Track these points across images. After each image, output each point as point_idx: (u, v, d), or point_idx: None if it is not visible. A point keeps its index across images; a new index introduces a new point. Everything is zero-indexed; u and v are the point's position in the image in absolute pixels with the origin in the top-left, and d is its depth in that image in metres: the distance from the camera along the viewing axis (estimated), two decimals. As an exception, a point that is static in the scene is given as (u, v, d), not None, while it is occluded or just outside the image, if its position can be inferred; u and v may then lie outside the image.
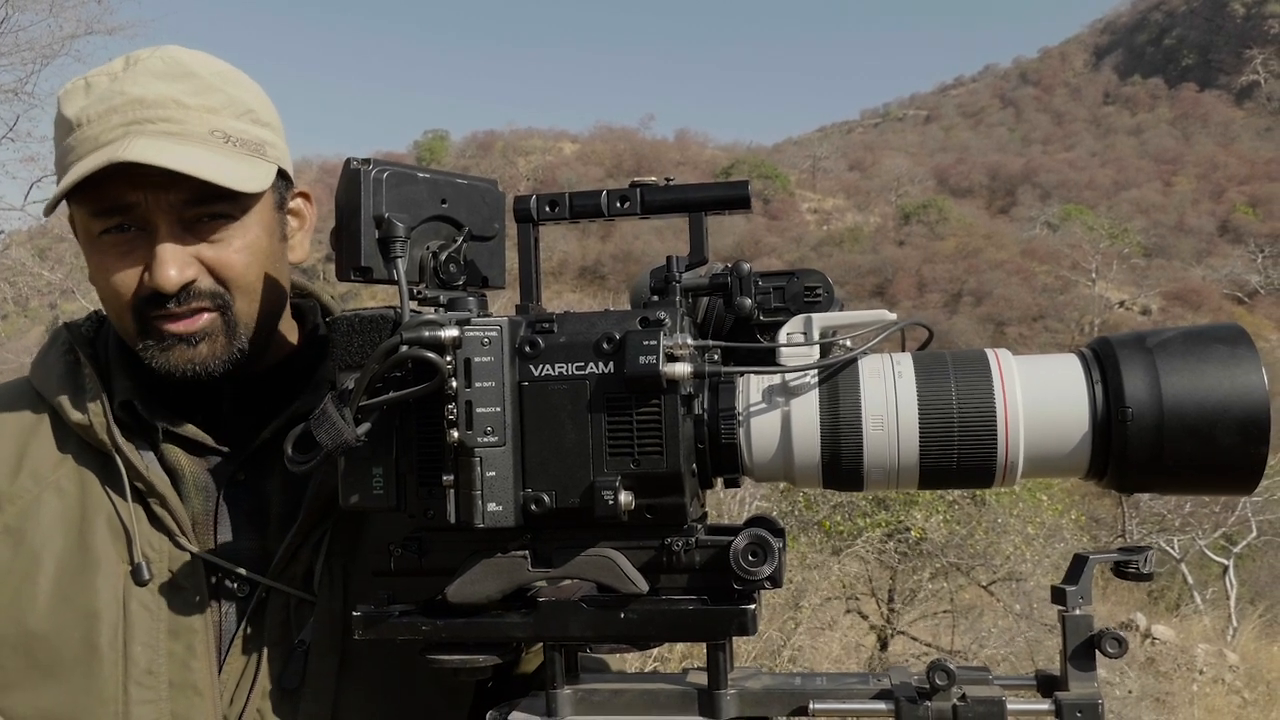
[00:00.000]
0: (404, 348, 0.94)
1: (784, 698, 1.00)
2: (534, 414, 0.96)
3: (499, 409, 0.95)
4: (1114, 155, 73.19)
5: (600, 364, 0.95)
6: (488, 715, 1.03)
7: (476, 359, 0.95)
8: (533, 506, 0.96)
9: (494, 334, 0.96)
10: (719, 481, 1.04)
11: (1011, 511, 8.82)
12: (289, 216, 1.36)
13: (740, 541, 0.97)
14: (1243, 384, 0.92)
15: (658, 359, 0.93)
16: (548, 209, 1.05)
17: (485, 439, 0.95)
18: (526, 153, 65.05)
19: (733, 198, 1.02)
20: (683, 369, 0.93)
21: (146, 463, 1.26)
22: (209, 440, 1.29)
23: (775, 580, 0.97)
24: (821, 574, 8.69)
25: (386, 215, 1.03)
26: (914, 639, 9.18)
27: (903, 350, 1.02)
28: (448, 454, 0.96)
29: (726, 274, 1.02)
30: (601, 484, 0.94)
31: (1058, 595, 0.99)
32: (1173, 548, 14.44)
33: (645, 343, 0.93)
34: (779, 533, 1.00)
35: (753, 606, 0.98)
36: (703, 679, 1.01)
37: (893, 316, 1.00)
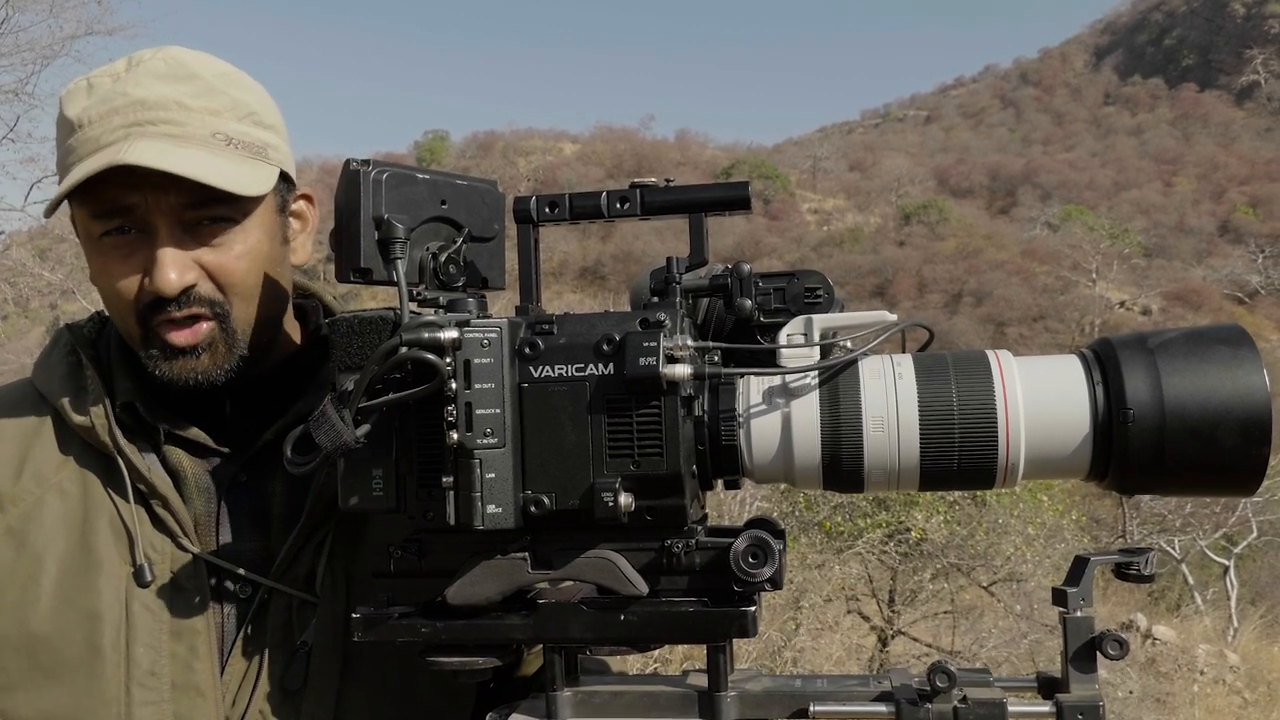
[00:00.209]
0: (403, 349, 0.94)
1: (784, 700, 1.00)
2: (534, 415, 0.96)
3: (499, 410, 0.95)
4: (1114, 155, 73.19)
5: (600, 365, 0.95)
6: (487, 717, 1.02)
7: (476, 360, 0.95)
8: (532, 508, 0.96)
9: (494, 335, 0.96)
10: (719, 483, 1.04)
11: (1012, 512, 8.81)
12: (291, 219, 1.35)
13: (740, 543, 0.97)
14: (1245, 385, 0.92)
15: (658, 360, 0.92)
16: (547, 210, 1.05)
17: (485, 440, 0.95)
18: (527, 153, 65.07)
19: (733, 198, 1.02)
20: (683, 370, 0.93)
21: (148, 464, 1.25)
22: (211, 442, 1.29)
23: (776, 582, 0.96)
24: (822, 575, 8.69)
25: (386, 216, 1.03)
26: (915, 640, 9.17)
27: (903, 351, 1.02)
28: (447, 456, 0.96)
29: (727, 275, 1.01)
30: (601, 486, 0.94)
31: (1059, 597, 0.99)
32: (1173, 548, 14.44)
33: (645, 344, 0.93)
34: (779, 534, 0.99)
35: (753, 608, 0.98)
36: (703, 681, 1.01)
37: (893, 317, 1.00)
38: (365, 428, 0.97)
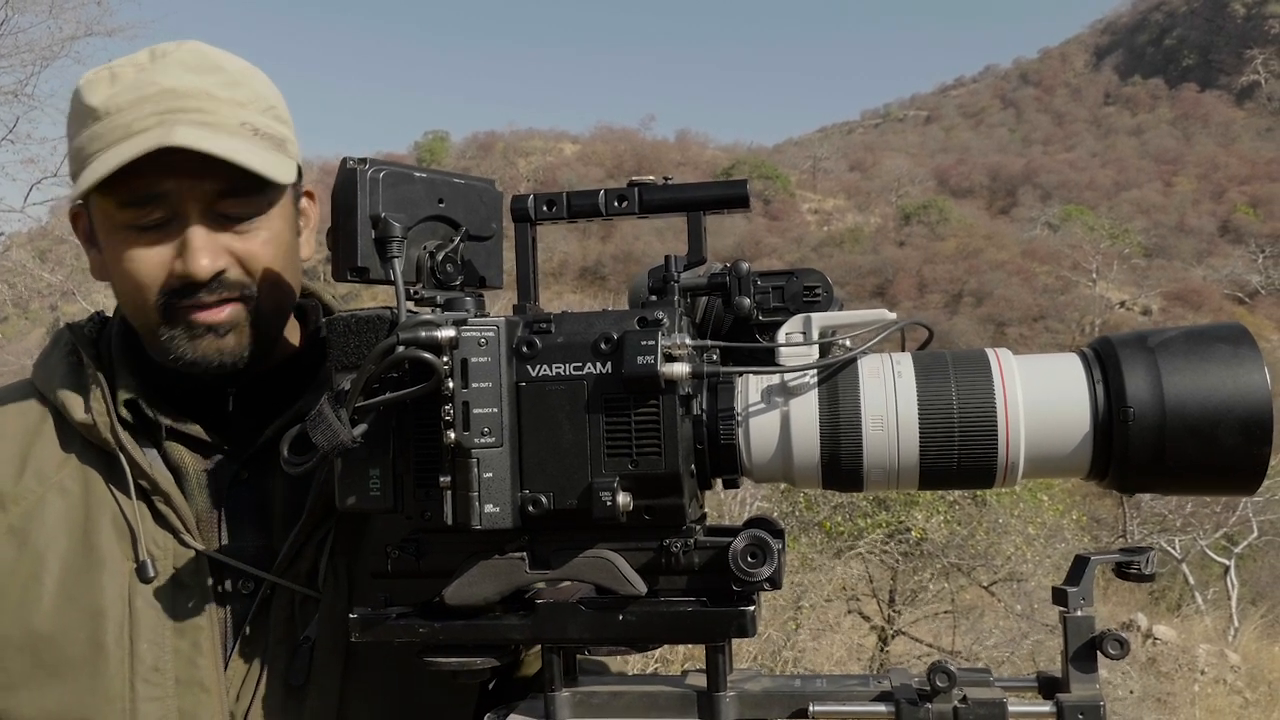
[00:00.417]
0: (400, 348, 0.93)
1: (784, 700, 0.99)
2: (531, 415, 0.96)
3: (496, 410, 0.95)
4: (1114, 156, 73.19)
5: (598, 364, 0.95)
6: (485, 718, 1.02)
7: (473, 359, 0.94)
8: (530, 508, 0.95)
9: (491, 334, 0.95)
10: (718, 482, 1.03)
11: (1012, 512, 8.81)
12: (299, 215, 1.37)
13: (739, 543, 0.96)
14: (1245, 384, 0.92)
15: (656, 359, 0.92)
16: (545, 208, 1.05)
17: (482, 440, 0.94)
18: (527, 153, 65.09)
19: (731, 197, 1.02)
20: (681, 369, 0.93)
21: (150, 461, 1.26)
22: (212, 439, 1.29)
23: (774, 581, 0.96)
24: (822, 575, 8.68)
25: (383, 215, 1.03)
26: (915, 639, 9.17)
27: (902, 350, 1.01)
28: (445, 455, 0.95)
29: (725, 274, 1.01)
30: (600, 485, 0.94)
31: (1059, 596, 0.98)
32: (1174, 548, 14.43)
33: (643, 343, 0.93)
34: (778, 534, 0.99)
35: (752, 608, 0.98)
36: (702, 681, 1.01)
37: (892, 316, 0.99)
38: (362, 427, 0.97)
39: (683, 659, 6.12)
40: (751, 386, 0.99)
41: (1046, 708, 0.96)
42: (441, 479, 0.96)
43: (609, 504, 0.93)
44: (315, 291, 1.44)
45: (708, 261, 1.03)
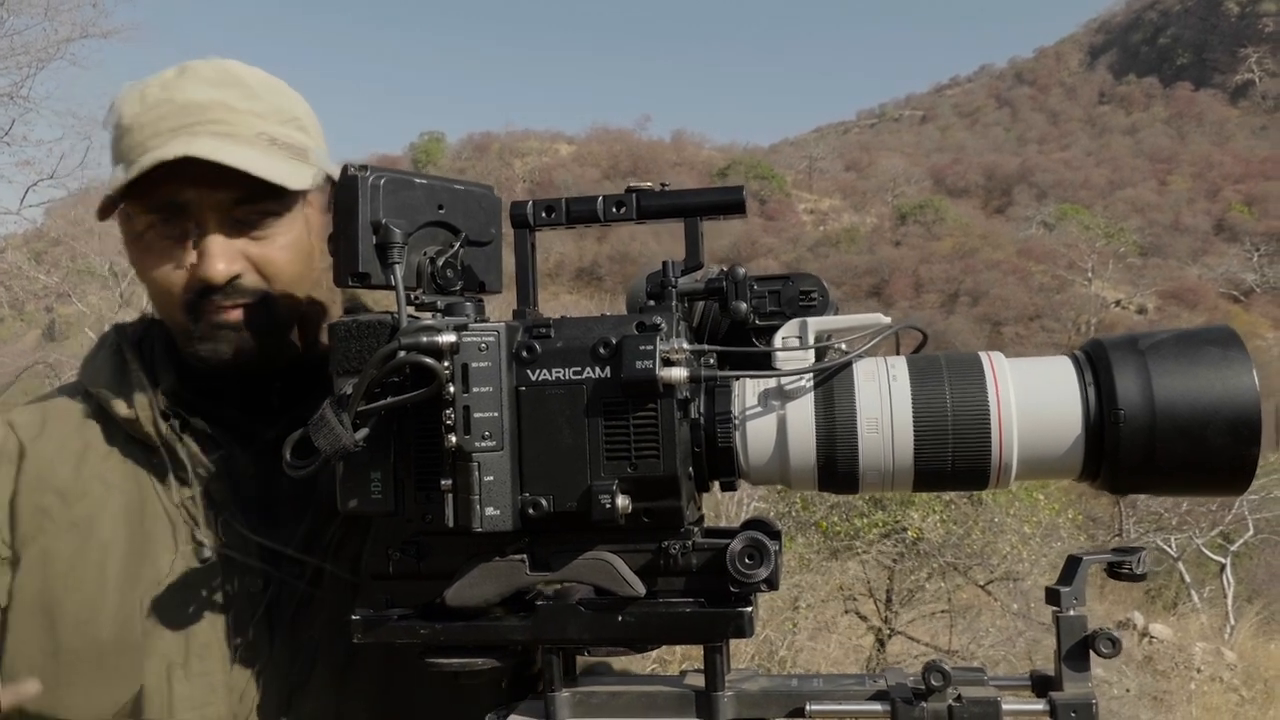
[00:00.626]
0: (402, 353, 0.95)
1: (781, 699, 1.00)
2: (531, 418, 0.97)
3: (496, 414, 0.96)
4: (1109, 154, 73.28)
5: (597, 369, 0.96)
6: (486, 718, 1.03)
7: (474, 364, 0.96)
8: (530, 510, 0.96)
9: (491, 339, 0.96)
10: (715, 485, 1.05)
11: (1008, 511, 8.82)
12: None
13: (737, 544, 0.97)
14: (1234, 385, 0.93)
15: (654, 363, 0.93)
16: (544, 214, 1.06)
17: (483, 443, 0.95)
18: (523, 154, 65.05)
19: (728, 203, 1.03)
20: (679, 373, 0.94)
21: (194, 451, 1.31)
22: (254, 430, 1.34)
23: (772, 583, 0.97)
24: (819, 575, 8.69)
25: (384, 221, 1.04)
26: (912, 639, 9.18)
27: (897, 353, 1.02)
28: (446, 458, 0.96)
29: (722, 278, 1.02)
30: (599, 488, 0.95)
31: (1052, 596, 1.00)
32: (1170, 546, 14.46)
33: (642, 347, 0.94)
34: (775, 535, 1.00)
35: (749, 609, 0.99)
36: (700, 681, 1.02)
37: (887, 320, 1.00)
38: (364, 431, 0.98)
39: (680, 659, 6.13)
40: (748, 390, 1.00)
41: (1040, 706, 0.97)
42: (442, 482, 0.96)
43: (608, 506, 0.94)
44: (356, 297, 1.49)
45: (705, 266, 1.04)
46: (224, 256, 1.26)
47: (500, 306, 1.20)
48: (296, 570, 1.29)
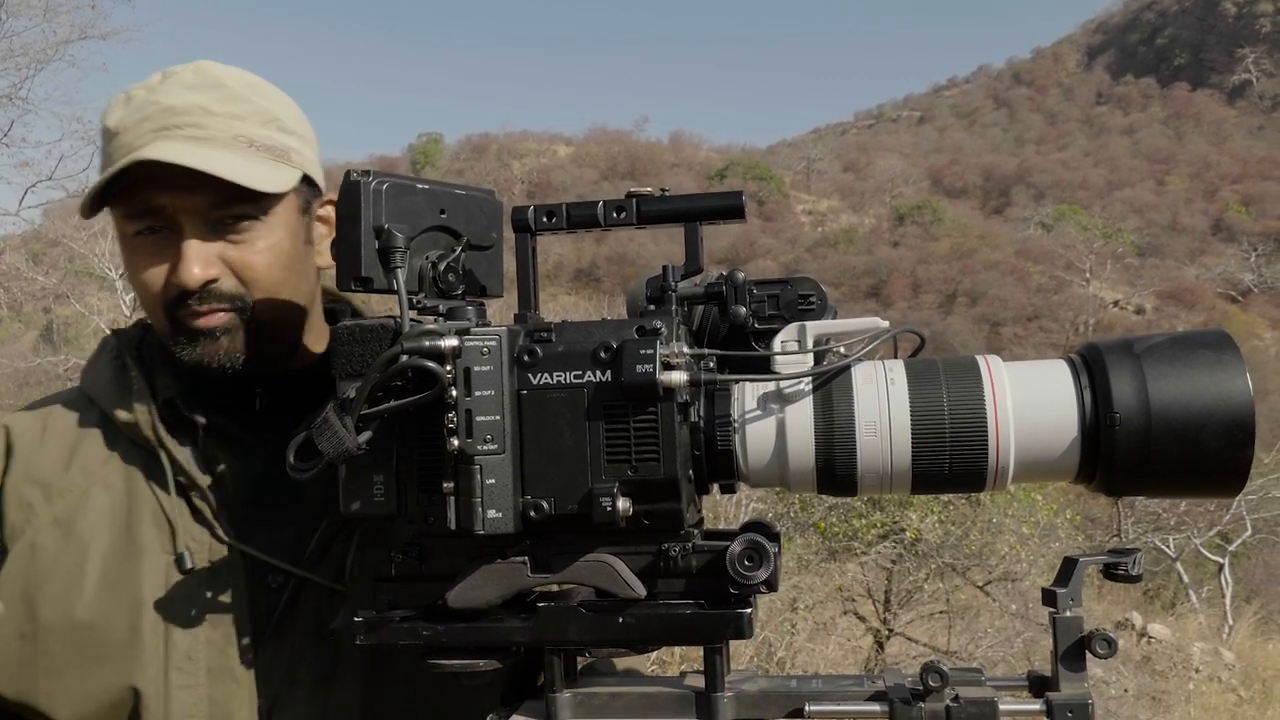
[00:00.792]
0: (404, 357, 0.96)
1: (780, 700, 1.01)
2: (533, 422, 0.98)
3: (498, 417, 0.97)
4: (1107, 155, 73.33)
5: (598, 372, 0.97)
6: (487, 719, 1.04)
7: (476, 368, 0.97)
8: (532, 513, 0.97)
9: (493, 343, 0.97)
10: (715, 487, 1.05)
11: (1006, 511, 8.83)
12: (317, 223, 1.41)
13: (736, 547, 0.98)
14: (1228, 388, 0.94)
15: (654, 367, 0.94)
16: (545, 219, 1.07)
17: (485, 447, 0.96)
18: (521, 155, 65.04)
19: (727, 208, 1.04)
20: (679, 377, 0.95)
21: (188, 458, 1.32)
22: (246, 437, 1.35)
23: (771, 585, 0.98)
24: (818, 576, 8.70)
25: (386, 226, 1.05)
26: (911, 640, 9.19)
27: (895, 357, 1.03)
28: (448, 461, 0.97)
29: (721, 283, 1.03)
30: (600, 491, 0.96)
31: (1048, 597, 1.00)
32: (1168, 546, 14.48)
33: (642, 351, 0.95)
34: (774, 537, 1.01)
35: (749, 610, 1.00)
36: (700, 682, 1.02)
37: (885, 324, 1.01)
38: (367, 434, 0.99)
39: (680, 661, 6.14)
40: (748, 394, 1.01)
41: (1036, 706, 0.98)
42: (444, 485, 0.98)
43: (609, 509, 0.95)
44: (343, 297, 1.49)
45: (704, 271, 1.05)
46: (199, 261, 1.25)
47: (501, 310, 1.22)
48: (281, 579, 1.29)
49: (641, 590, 1.00)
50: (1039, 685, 1.02)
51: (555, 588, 1.05)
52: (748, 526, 1.02)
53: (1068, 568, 1.01)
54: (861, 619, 9.37)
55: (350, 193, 1.06)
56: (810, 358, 1.00)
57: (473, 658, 1.03)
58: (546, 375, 0.98)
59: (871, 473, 0.98)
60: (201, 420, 1.33)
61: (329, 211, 1.43)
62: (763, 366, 1.01)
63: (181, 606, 1.27)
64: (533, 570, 1.01)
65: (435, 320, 1.03)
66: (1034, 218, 54.97)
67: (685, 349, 0.97)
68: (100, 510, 1.31)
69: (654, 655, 5.64)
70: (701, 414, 1.00)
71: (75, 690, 1.25)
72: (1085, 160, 71.65)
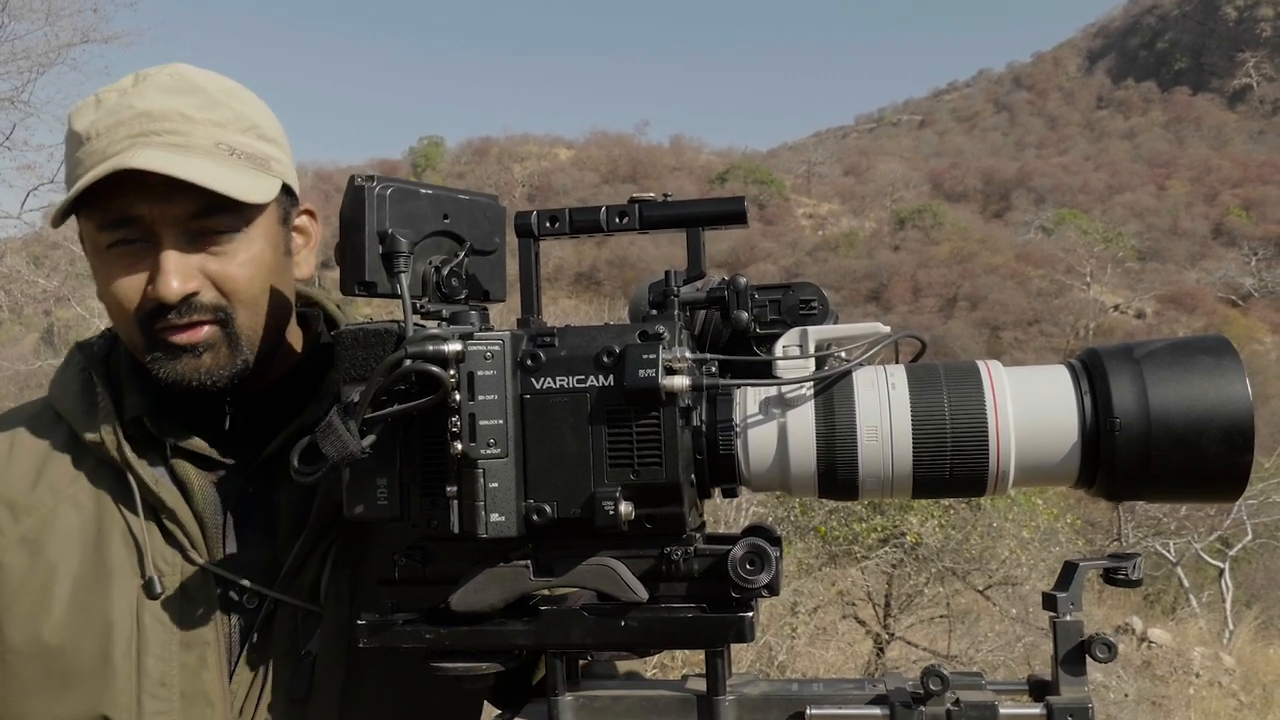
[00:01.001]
0: (408, 362, 0.95)
1: (781, 703, 1.01)
2: (536, 426, 0.98)
3: (501, 421, 0.97)
4: (1107, 159, 73.36)
5: (600, 377, 0.97)
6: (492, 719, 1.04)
7: (479, 373, 0.97)
8: (535, 517, 0.98)
9: (496, 348, 0.98)
10: (717, 491, 1.06)
11: (1007, 516, 8.83)
12: (294, 233, 1.37)
13: (738, 551, 0.99)
14: (1227, 394, 0.94)
15: (657, 372, 0.94)
16: (548, 224, 1.07)
17: (488, 451, 0.97)
18: (522, 159, 65.08)
19: (729, 213, 1.04)
20: (681, 382, 0.95)
21: (157, 478, 1.27)
22: (217, 454, 1.31)
23: (772, 588, 0.98)
24: (819, 580, 8.70)
25: (390, 231, 1.05)
26: (911, 644, 9.19)
27: (896, 362, 1.04)
28: (451, 465, 0.98)
29: (723, 288, 1.04)
30: (602, 494, 0.96)
31: (1049, 601, 1.01)
32: (1169, 551, 14.47)
33: (644, 356, 0.95)
34: (776, 541, 1.01)
35: (750, 614, 1.00)
36: (701, 685, 1.03)
37: (886, 329, 1.02)
38: (370, 438, 0.99)
39: (681, 664, 6.14)
40: (750, 398, 1.01)
41: (1036, 710, 0.98)
42: (448, 488, 0.98)
43: (611, 513, 0.95)
44: (317, 300, 1.45)
45: (706, 276, 1.06)
46: (179, 273, 1.20)
47: (503, 315, 1.22)
48: (254, 600, 1.26)
49: (643, 594, 1.00)
50: (1039, 689, 1.03)
51: (557, 591, 1.05)
52: (749, 530, 1.02)
53: (1068, 572, 1.01)
54: (862, 623, 9.36)
55: (354, 198, 1.07)
56: (812, 362, 1.01)
57: (475, 661, 1.03)
58: (549, 380, 0.98)
59: (873, 477, 0.98)
60: (171, 439, 1.29)
61: (305, 221, 1.39)
62: (764, 371, 1.02)
63: (154, 631, 1.23)
64: (535, 574, 1.01)
65: (439, 325, 1.03)
66: (1034, 222, 55.01)
67: (687, 354, 0.97)
68: (69, 530, 1.27)
69: (655, 658, 5.64)
70: (703, 418, 1.01)
71: (42, 714, 1.22)
72: (1086, 164, 71.67)
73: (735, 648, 1.07)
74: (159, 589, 1.23)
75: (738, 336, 1.04)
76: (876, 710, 1.00)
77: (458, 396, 0.96)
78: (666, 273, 1.03)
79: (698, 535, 1.02)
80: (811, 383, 1.00)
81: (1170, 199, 60.52)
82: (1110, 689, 8.91)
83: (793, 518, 8.74)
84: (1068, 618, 1.00)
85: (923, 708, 0.98)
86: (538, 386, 0.98)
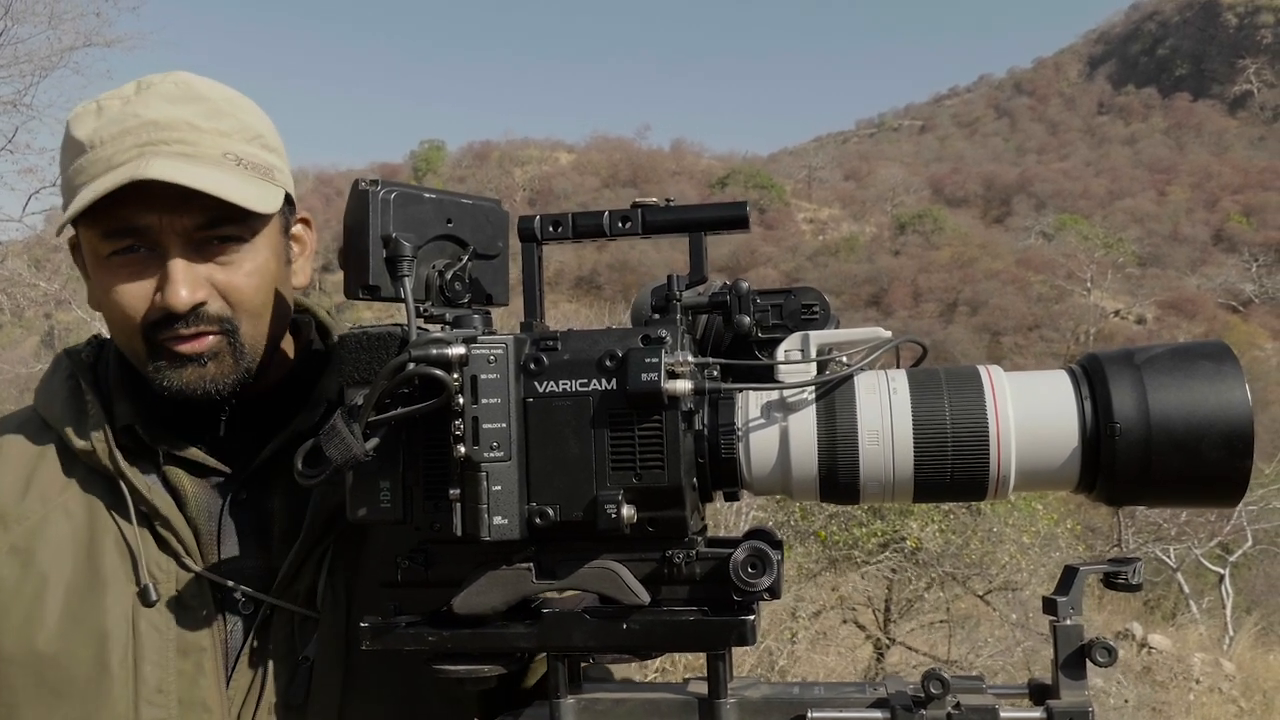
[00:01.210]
0: (412, 365, 0.96)
1: (783, 707, 1.02)
2: (538, 429, 0.98)
3: (504, 424, 0.97)
4: (1108, 165, 73.42)
5: (603, 381, 0.98)
6: (495, 721, 1.05)
7: (483, 376, 0.97)
8: (537, 519, 0.98)
9: (500, 351, 0.98)
10: (718, 495, 1.06)
11: (1007, 521, 8.83)
12: (291, 241, 1.38)
13: (740, 554, 0.99)
14: (1227, 399, 0.95)
15: (659, 376, 0.95)
16: (551, 229, 1.07)
17: (491, 454, 0.97)
18: (523, 163, 65.11)
19: (732, 218, 1.05)
20: (683, 386, 0.96)
21: (150, 485, 1.27)
22: (210, 461, 1.31)
23: (774, 591, 0.99)
24: (819, 586, 8.70)
25: (394, 235, 1.06)
26: (911, 649, 9.18)
27: (897, 366, 1.04)
28: (454, 468, 0.98)
29: (726, 292, 1.04)
30: (604, 498, 0.96)
31: (1049, 606, 1.01)
32: (1169, 557, 14.46)
33: (647, 360, 0.96)
34: (777, 545, 1.02)
35: (752, 617, 1.00)
36: (703, 688, 1.03)
37: (888, 334, 1.02)
38: (374, 441, 0.99)
39: (683, 669, 6.13)
40: (752, 402, 1.02)
41: (1037, 714, 0.99)
42: (451, 491, 0.98)
43: (614, 516, 0.96)
44: (309, 307, 1.46)
45: (708, 280, 1.06)
46: (187, 283, 1.20)
47: (505, 319, 1.22)
48: (250, 606, 1.26)
49: (645, 596, 1.00)
50: (1040, 693, 1.03)
51: (559, 594, 1.06)
52: (750, 534, 1.03)
53: (1068, 576, 1.02)
54: (861, 628, 9.36)
55: (359, 202, 1.07)
56: (813, 367, 1.01)
57: (477, 663, 1.04)
58: (552, 383, 0.98)
59: (874, 481, 0.99)
60: (164, 446, 1.28)
61: (301, 230, 1.40)
62: (766, 375, 1.02)
63: (150, 638, 1.23)
64: (538, 576, 1.01)
65: (442, 328, 1.04)
66: (1035, 227, 55.05)
67: (690, 358, 0.98)
68: (60, 538, 1.26)
69: (657, 661, 5.64)
70: (706, 422, 1.01)
71: (42, 716, 1.22)
72: (1086, 170, 71.74)
73: (736, 652, 1.07)
74: (154, 596, 1.23)
75: (740, 341, 1.04)
76: (877, 714, 1.00)
77: (461, 400, 0.97)
78: (669, 277, 1.04)
79: (699, 538, 1.03)
80: (813, 387, 1.00)
81: (1171, 205, 60.54)
82: (1110, 695, 8.91)
83: (793, 522, 8.74)
84: (1068, 622, 1.00)
85: (924, 711, 0.98)
86: (541, 390, 0.98)
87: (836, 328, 1.04)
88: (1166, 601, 15.33)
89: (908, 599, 9.08)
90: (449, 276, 1.10)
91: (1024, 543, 8.85)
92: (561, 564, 1.01)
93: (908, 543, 8.53)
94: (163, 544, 1.26)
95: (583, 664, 1.10)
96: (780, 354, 1.02)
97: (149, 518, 1.26)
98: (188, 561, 1.25)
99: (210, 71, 1.31)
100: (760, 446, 1.01)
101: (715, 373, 1.04)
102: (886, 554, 8.64)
